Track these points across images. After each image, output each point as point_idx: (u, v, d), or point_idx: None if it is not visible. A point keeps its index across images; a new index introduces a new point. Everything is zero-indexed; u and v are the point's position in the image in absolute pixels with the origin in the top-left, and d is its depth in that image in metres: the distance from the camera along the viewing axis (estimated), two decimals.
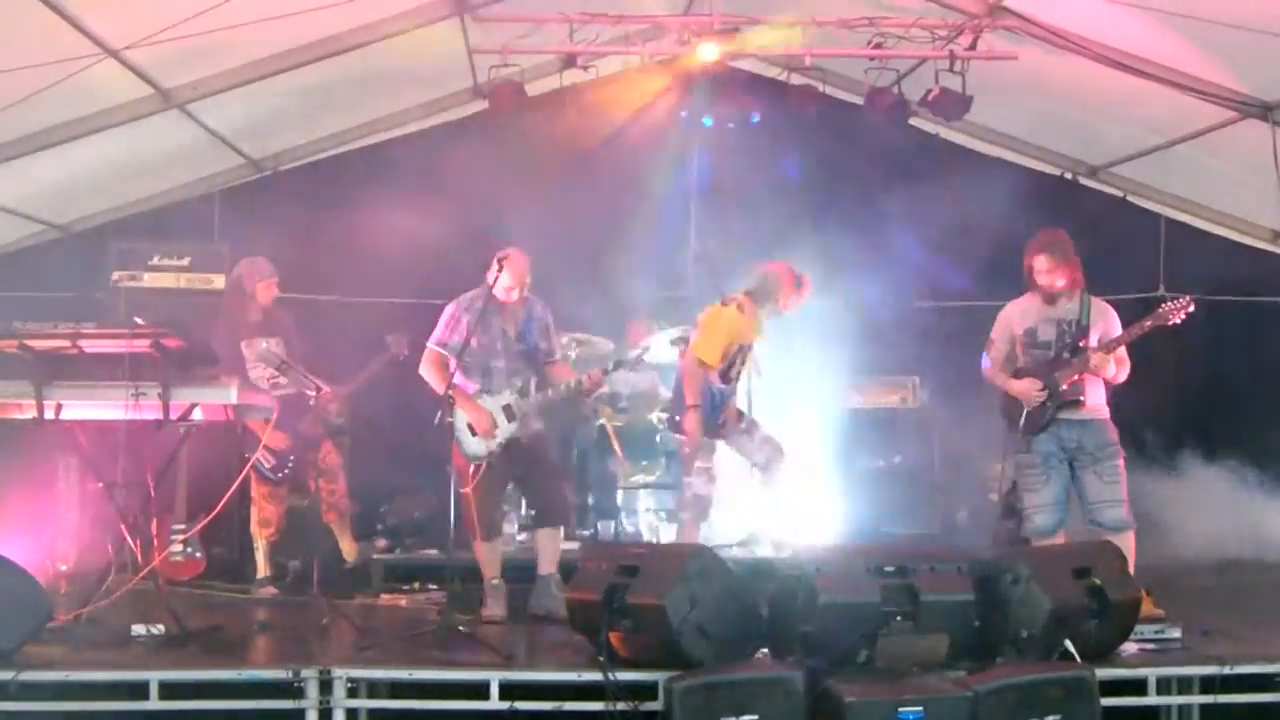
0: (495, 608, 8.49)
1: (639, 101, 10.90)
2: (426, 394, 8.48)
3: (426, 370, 8.54)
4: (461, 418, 8.39)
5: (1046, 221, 9.75)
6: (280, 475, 9.51)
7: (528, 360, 8.62)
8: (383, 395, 10.13)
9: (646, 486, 11.06)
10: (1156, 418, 11.05)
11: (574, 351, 10.56)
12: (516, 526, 10.31)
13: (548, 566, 8.58)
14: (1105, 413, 8.41)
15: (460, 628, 7.64)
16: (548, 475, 8.83)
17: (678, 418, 9.38)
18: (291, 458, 9.49)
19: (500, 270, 8.39)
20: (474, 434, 8.42)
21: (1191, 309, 8.05)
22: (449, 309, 8.58)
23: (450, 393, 8.12)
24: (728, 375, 9.39)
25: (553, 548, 8.65)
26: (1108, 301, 8.58)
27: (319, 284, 11.25)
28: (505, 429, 8.48)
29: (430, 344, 8.56)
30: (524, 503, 9.72)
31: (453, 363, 8.30)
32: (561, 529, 8.92)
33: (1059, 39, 9.44)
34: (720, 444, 9.61)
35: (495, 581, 8.59)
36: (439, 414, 7.98)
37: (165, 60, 8.97)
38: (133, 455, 7.72)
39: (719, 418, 9.45)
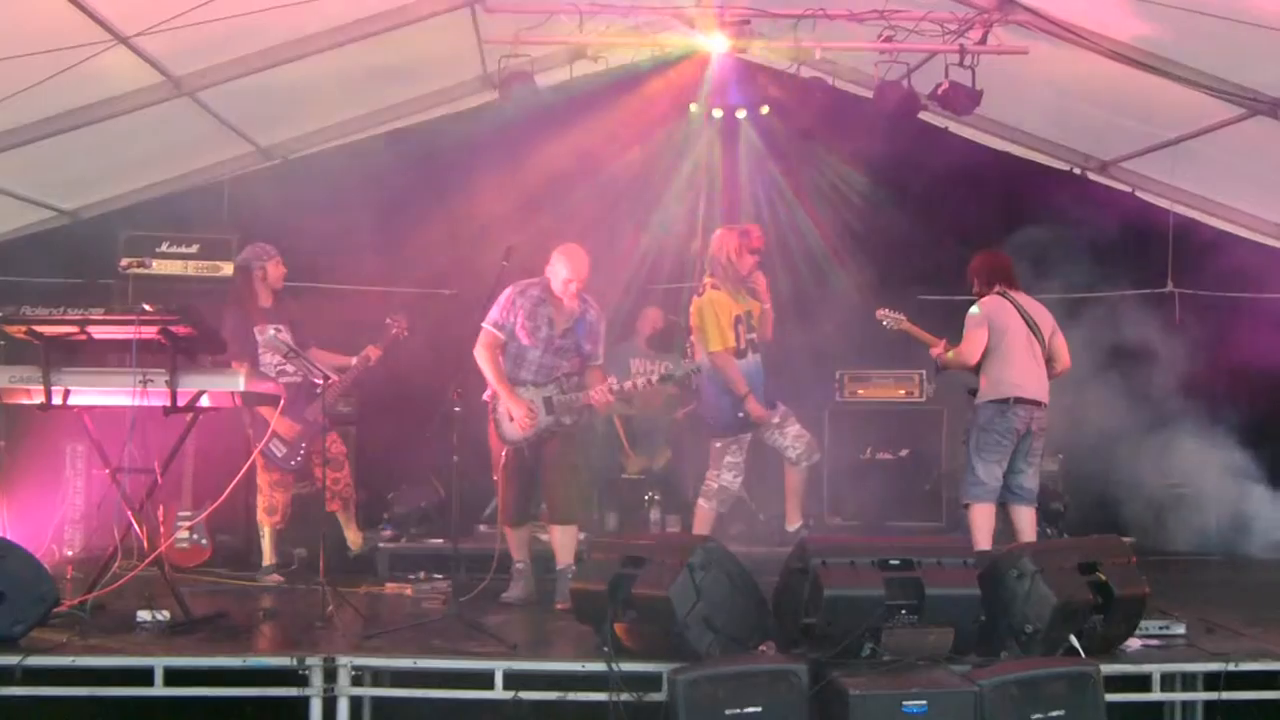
0: (516, 589, 8.68)
1: (648, 92, 10.88)
2: (437, 382, 8.50)
3: (479, 351, 8.51)
4: (503, 402, 8.49)
5: (1055, 215, 9.83)
6: (293, 464, 9.49)
7: (565, 357, 8.61)
8: (390, 385, 10.13)
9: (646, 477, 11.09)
10: (1161, 413, 11.04)
11: None
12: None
13: (564, 559, 8.63)
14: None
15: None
16: (564, 472, 8.74)
17: (740, 414, 9.30)
18: (303, 445, 9.49)
19: (557, 262, 8.46)
20: (512, 420, 8.50)
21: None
22: (506, 291, 8.58)
23: (497, 384, 8.41)
24: (740, 350, 9.37)
25: (567, 541, 8.67)
26: (1119, 296, 8.69)
27: (327, 272, 11.24)
28: (544, 421, 8.52)
29: (485, 324, 8.54)
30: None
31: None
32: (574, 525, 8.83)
33: (1069, 34, 9.41)
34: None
35: (520, 565, 8.77)
36: (486, 393, 8.56)
37: (176, 48, 8.94)
38: (140, 442, 7.72)
39: (763, 391, 9.50)
